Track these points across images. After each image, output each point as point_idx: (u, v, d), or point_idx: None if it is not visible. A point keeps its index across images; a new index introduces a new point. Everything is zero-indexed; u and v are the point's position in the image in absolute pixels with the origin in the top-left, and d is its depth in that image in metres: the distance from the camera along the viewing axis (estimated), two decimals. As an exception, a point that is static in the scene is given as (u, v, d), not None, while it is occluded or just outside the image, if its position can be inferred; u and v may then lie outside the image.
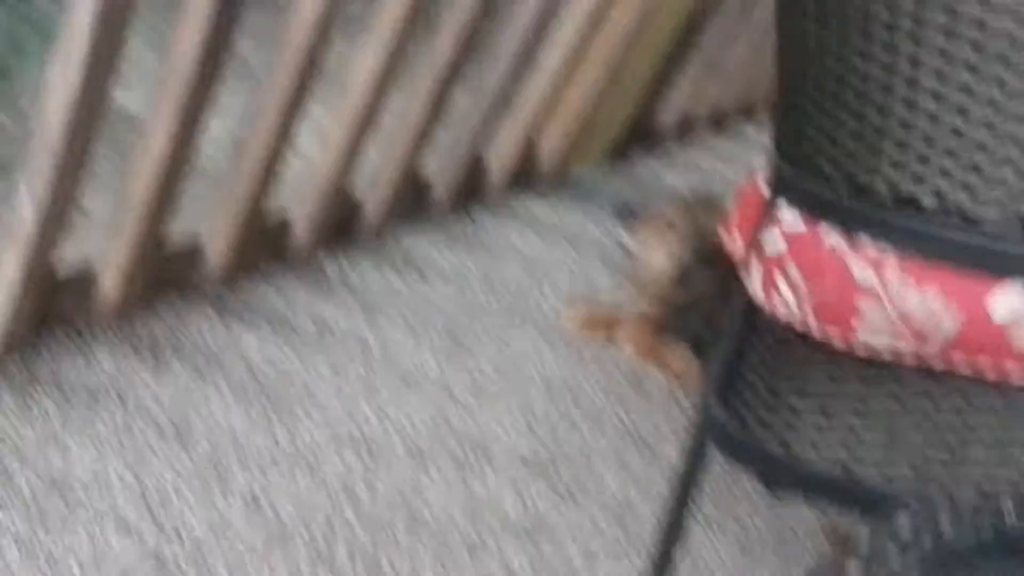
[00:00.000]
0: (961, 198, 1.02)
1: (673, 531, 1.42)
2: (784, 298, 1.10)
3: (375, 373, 1.89)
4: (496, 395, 1.93)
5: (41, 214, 1.52)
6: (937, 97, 1.01)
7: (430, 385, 1.90)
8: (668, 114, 3.13)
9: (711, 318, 1.96)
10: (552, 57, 2.47)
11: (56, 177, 1.50)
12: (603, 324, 2.15)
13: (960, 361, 1.06)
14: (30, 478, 1.48)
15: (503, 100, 2.39)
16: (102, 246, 1.73)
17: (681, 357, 2.07)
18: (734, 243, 1.24)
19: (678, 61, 2.94)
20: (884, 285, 1.04)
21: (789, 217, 1.13)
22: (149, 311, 1.84)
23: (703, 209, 2.07)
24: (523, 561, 1.59)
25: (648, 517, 1.73)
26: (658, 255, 2.06)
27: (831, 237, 1.08)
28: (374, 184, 2.20)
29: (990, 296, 1.01)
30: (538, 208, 2.62)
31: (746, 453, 1.22)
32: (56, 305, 1.69)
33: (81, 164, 1.54)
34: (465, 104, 2.35)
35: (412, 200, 2.33)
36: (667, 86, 3.00)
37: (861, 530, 0.92)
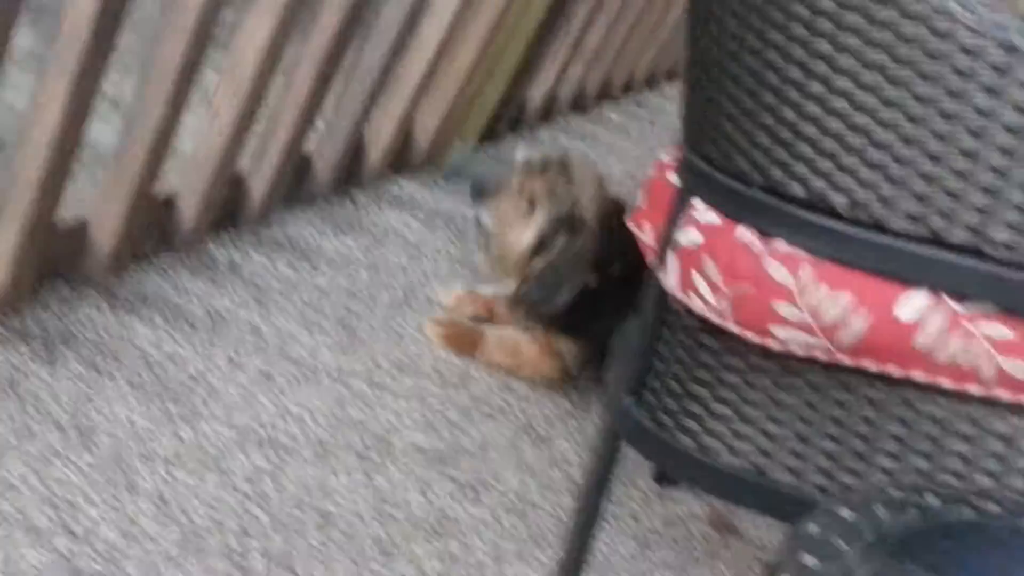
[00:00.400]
0: (873, 203, 1.05)
1: (585, 528, 1.45)
2: (701, 293, 1.13)
3: (272, 366, 1.87)
4: (392, 388, 1.94)
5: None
6: (851, 100, 1.04)
7: (327, 378, 1.90)
8: (534, 95, 3.18)
9: (565, 281, 1.99)
10: (429, 38, 2.47)
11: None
12: (467, 341, 2.08)
13: (868, 360, 1.10)
14: (-71, 485, 1.41)
15: (382, 81, 2.37)
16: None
17: (550, 354, 2.05)
18: (644, 234, 1.27)
19: (545, 42, 2.98)
20: (798, 284, 1.07)
21: (703, 209, 1.15)
22: (37, 301, 1.76)
23: (557, 174, 2.04)
24: (433, 560, 1.63)
25: (548, 511, 1.80)
26: (516, 229, 2.04)
27: (746, 232, 1.11)
28: (259, 164, 2.16)
29: (898, 299, 1.06)
30: (416, 190, 2.63)
31: (661, 451, 1.24)
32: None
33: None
34: (345, 85, 2.33)
35: (294, 182, 2.30)
36: (535, 67, 3.04)
37: (801, 526, 0.97)
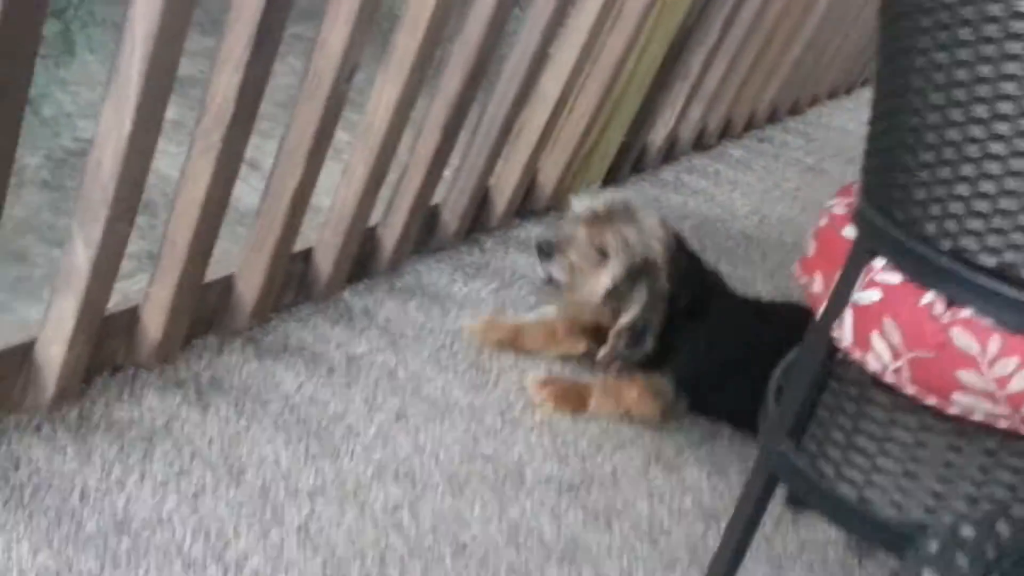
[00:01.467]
0: None
1: (732, 565, 1.47)
2: (879, 354, 1.11)
3: (407, 405, 1.95)
4: (523, 421, 2.01)
5: (96, 260, 1.57)
6: None
7: (460, 415, 1.97)
8: (656, 137, 3.23)
9: (650, 328, 2.02)
10: (549, 90, 2.55)
11: (110, 222, 1.55)
12: (575, 397, 2.07)
13: None
14: (97, 520, 1.53)
15: (505, 133, 2.46)
16: (147, 289, 1.78)
17: (652, 395, 2.07)
18: (813, 283, 1.27)
19: (664, 86, 3.04)
20: (985, 355, 1.05)
21: (884, 268, 1.13)
22: (190, 351, 1.89)
23: (624, 221, 2.05)
24: (566, 584, 1.67)
25: (679, 538, 1.82)
26: (591, 280, 2.05)
27: (932, 298, 1.09)
28: (390, 217, 2.27)
29: None
30: (540, 233, 2.70)
31: (819, 497, 1.23)
32: (104, 349, 1.74)
33: (133, 210, 1.59)
34: (471, 138, 2.43)
35: (424, 231, 2.40)
36: (655, 110, 3.09)
37: (922, 543, 0.97)
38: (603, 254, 2.02)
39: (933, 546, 0.80)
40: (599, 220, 2.04)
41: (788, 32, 3.60)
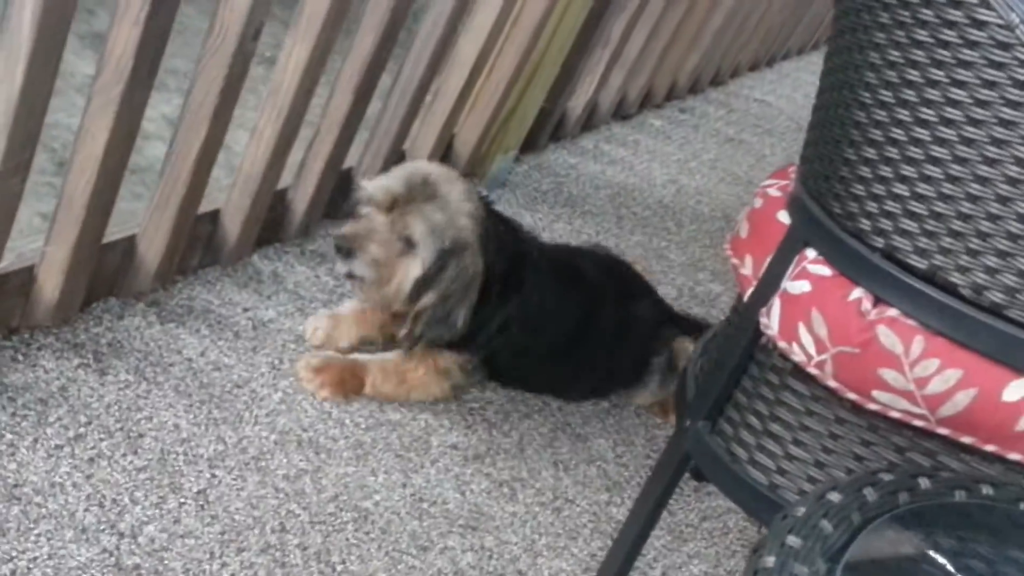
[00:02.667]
0: (996, 291, 1.03)
1: (640, 538, 1.48)
2: (804, 345, 1.11)
3: (313, 371, 1.93)
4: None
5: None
6: (1004, 201, 1.00)
7: (367, 381, 1.95)
8: (575, 104, 3.22)
9: (459, 307, 1.84)
10: (466, 53, 2.53)
11: (1, 178, 1.50)
12: (351, 381, 1.90)
13: (968, 436, 1.08)
14: (-15, 487, 1.49)
15: (420, 96, 2.43)
16: (43, 247, 1.73)
17: (438, 374, 1.93)
18: (743, 265, 1.27)
19: (584, 52, 3.02)
20: (909, 355, 1.06)
21: (816, 260, 1.12)
22: (87, 314, 1.84)
23: (426, 200, 1.81)
24: (468, 553, 1.67)
25: (583, 507, 1.83)
26: (399, 272, 1.83)
27: (861, 294, 1.09)
28: (301, 180, 2.23)
29: (1009, 384, 1.04)
30: (457, 200, 2.68)
31: (729, 480, 1.23)
32: (-3, 309, 1.69)
33: (26, 165, 1.54)
34: (385, 101, 2.39)
35: (336, 196, 2.37)
36: (574, 77, 3.08)
37: (791, 509, 0.96)
38: (409, 243, 1.81)
39: (799, 511, 0.82)
40: (399, 204, 1.81)
41: (710, 0, 3.61)
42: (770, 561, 0.76)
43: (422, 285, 1.82)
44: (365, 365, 1.92)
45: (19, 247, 1.77)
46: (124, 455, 1.62)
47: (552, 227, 2.74)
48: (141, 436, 1.66)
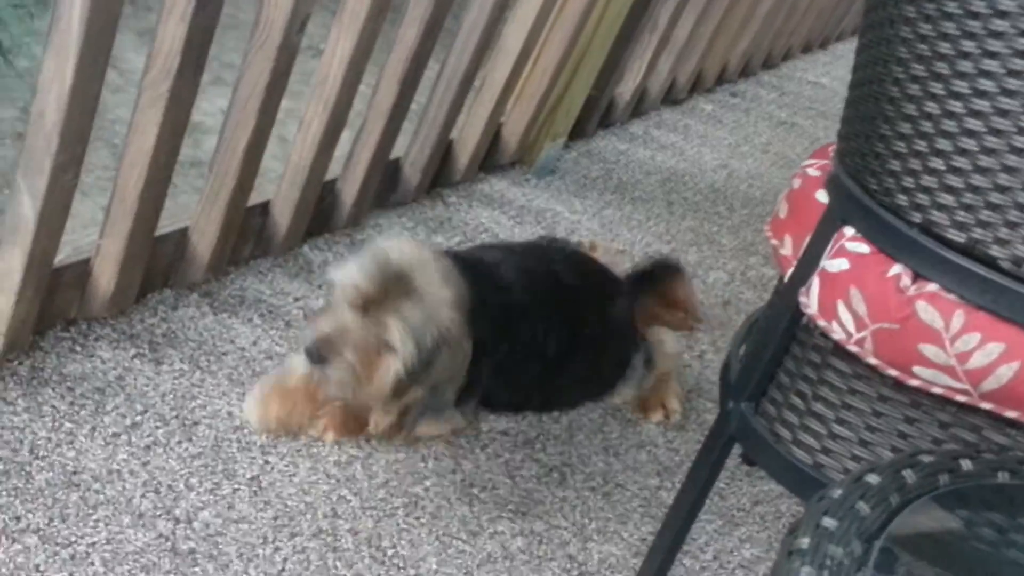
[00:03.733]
0: None
1: (687, 520, 1.48)
2: (843, 323, 1.11)
3: (364, 359, 1.95)
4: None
5: (42, 211, 1.56)
6: None
7: (417, 369, 1.97)
8: (624, 90, 3.21)
9: (449, 391, 1.71)
10: (512, 41, 2.53)
11: (55, 173, 1.53)
12: (357, 421, 1.76)
13: (1012, 410, 1.07)
14: (46, 474, 1.53)
15: (467, 85, 2.44)
16: (98, 241, 1.77)
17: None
18: (783, 246, 1.26)
19: (632, 38, 3.01)
20: (949, 330, 1.05)
21: (854, 238, 1.12)
22: (142, 305, 1.88)
23: (402, 297, 1.58)
24: (517, 538, 1.68)
25: (633, 492, 1.83)
26: (377, 374, 1.61)
27: (900, 271, 1.08)
28: (349, 171, 2.25)
29: None
30: (506, 188, 2.69)
31: (774, 460, 1.23)
32: (55, 301, 1.73)
33: (79, 160, 1.57)
34: (432, 90, 2.41)
35: (385, 185, 2.39)
36: (623, 63, 3.07)
37: (828, 490, 0.95)
38: (386, 346, 1.60)
39: (836, 493, 0.81)
40: (374, 302, 1.58)
41: (760, -16, 3.58)
42: (805, 543, 0.76)
43: (406, 383, 1.62)
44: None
45: (76, 240, 1.81)
46: (179, 442, 1.65)
47: (602, 213, 2.73)
48: (196, 424, 1.70)
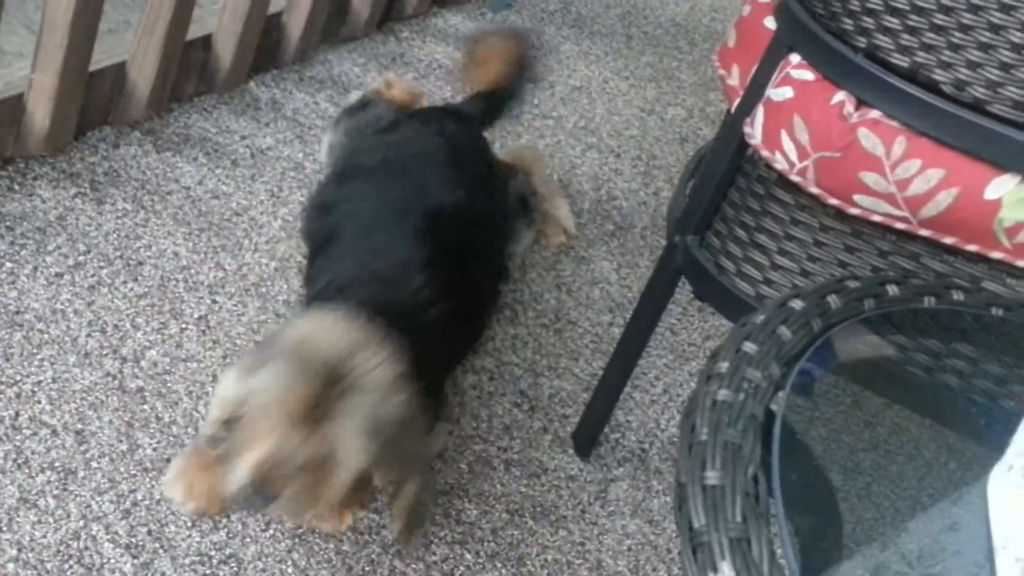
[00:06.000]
0: (978, 86, 1.00)
1: (633, 356, 1.49)
2: (786, 153, 1.09)
3: (313, 197, 1.92)
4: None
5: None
6: None
7: (368, 207, 1.94)
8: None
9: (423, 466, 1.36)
10: None
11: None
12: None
13: (950, 237, 1.07)
14: (-14, 314, 1.51)
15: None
16: (30, 75, 1.70)
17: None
18: (730, 76, 1.23)
19: None
20: (890, 157, 1.04)
21: (799, 65, 1.09)
22: (82, 143, 1.83)
23: (338, 400, 1.21)
24: (468, 376, 1.68)
25: (585, 328, 1.84)
26: (328, 488, 1.25)
27: (843, 98, 1.06)
28: (295, 3, 2.17)
29: (991, 182, 1.02)
30: (460, 23, 2.61)
31: (717, 293, 1.23)
32: (-11, 140, 1.68)
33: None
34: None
35: (334, 19, 2.31)
36: None
37: (750, 316, 0.93)
38: (338, 458, 1.24)
39: (758, 319, 0.80)
40: (309, 410, 1.21)
41: None
42: (723, 367, 0.76)
43: (366, 477, 1.30)
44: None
45: (8, 75, 1.75)
46: (124, 283, 1.63)
47: (559, 49, 2.67)
48: (140, 264, 1.67)
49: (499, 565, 1.43)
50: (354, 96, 1.98)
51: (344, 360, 1.23)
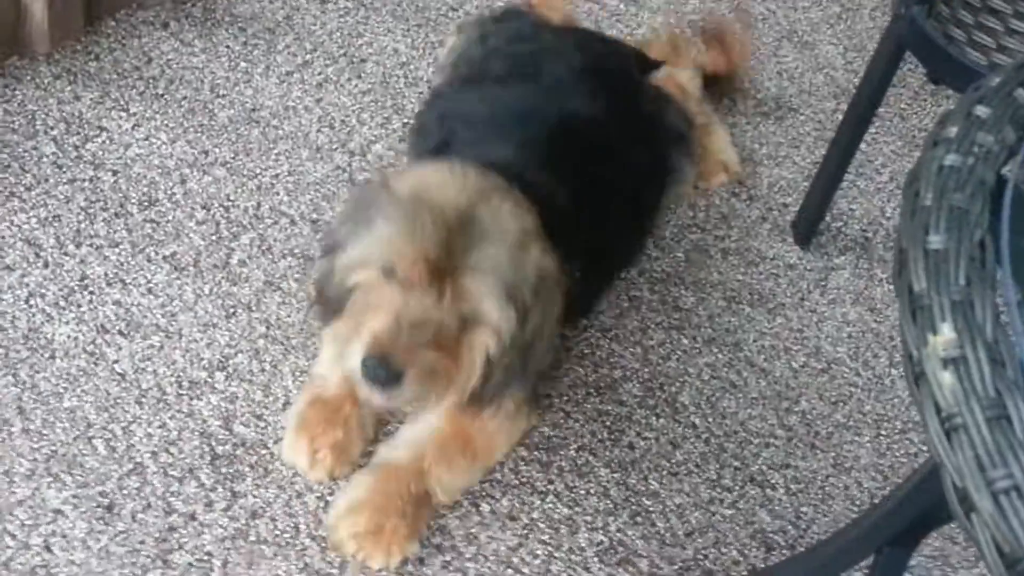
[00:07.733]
0: None
1: (855, 138, 1.44)
2: None
3: None
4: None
5: None
6: None
7: None
8: None
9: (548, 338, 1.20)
10: None
11: None
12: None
13: None
14: (228, 111, 1.60)
15: None
16: None
17: None
18: None
19: None
20: None
21: None
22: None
23: (474, 250, 1.07)
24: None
25: (808, 116, 1.78)
26: (459, 364, 1.12)
27: None
28: None
29: None
30: None
31: (947, 64, 1.16)
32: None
33: None
34: None
35: None
36: None
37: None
38: (473, 321, 1.10)
39: (994, 81, 0.75)
40: (436, 270, 1.07)
41: None
42: (952, 131, 0.72)
43: (500, 356, 1.15)
44: (405, 468, 1.25)
45: None
46: (349, 79, 1.69)
47: None
48: (363, 61, 1.72)
49: (715, 350, 1.45)
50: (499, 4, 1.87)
51: (471, 209, 1.08)
